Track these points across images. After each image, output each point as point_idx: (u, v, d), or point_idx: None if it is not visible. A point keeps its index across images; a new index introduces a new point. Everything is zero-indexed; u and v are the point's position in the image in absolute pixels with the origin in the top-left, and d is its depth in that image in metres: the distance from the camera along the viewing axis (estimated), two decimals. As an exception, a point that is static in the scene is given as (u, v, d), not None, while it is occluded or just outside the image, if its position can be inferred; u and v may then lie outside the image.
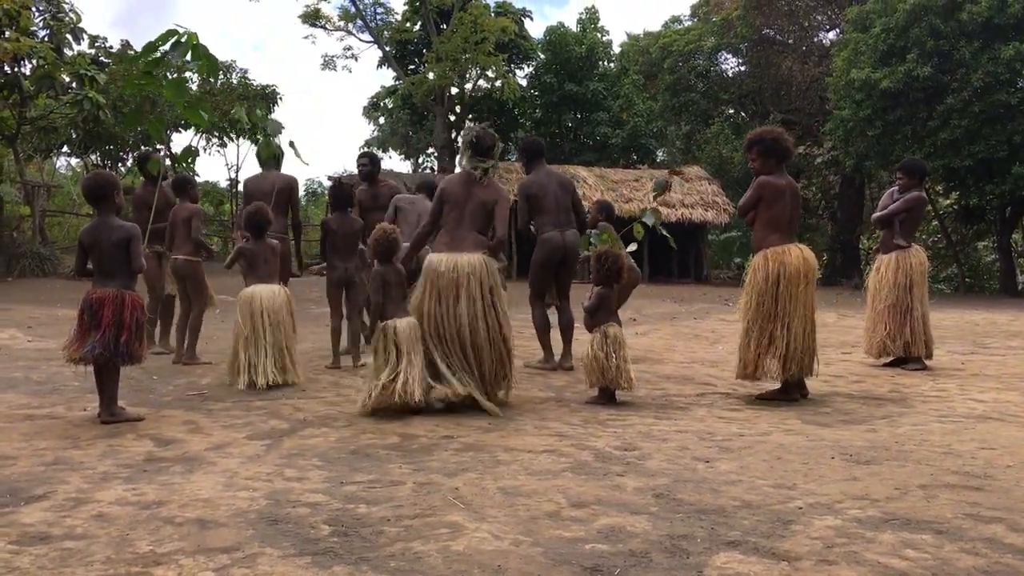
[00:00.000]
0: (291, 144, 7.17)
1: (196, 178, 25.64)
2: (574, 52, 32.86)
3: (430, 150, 36.47)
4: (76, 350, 4.66)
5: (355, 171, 8.87)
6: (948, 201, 25.53)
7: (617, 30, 63.14)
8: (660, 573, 2.52)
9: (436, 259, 5.30)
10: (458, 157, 5.67)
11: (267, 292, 6.11)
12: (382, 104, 37.33)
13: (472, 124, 5.66)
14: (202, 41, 5.33)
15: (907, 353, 7.26)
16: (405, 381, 5.00)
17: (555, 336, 7.18)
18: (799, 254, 5.64)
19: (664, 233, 6.11)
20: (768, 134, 5.81)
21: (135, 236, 4.78)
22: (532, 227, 7.08)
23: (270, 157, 7.06)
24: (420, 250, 5.75)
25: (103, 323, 4.60)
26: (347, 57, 35.24)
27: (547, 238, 6.92)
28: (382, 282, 5.32)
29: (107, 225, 4.77)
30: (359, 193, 7.97)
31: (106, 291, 4.68)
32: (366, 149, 29.18)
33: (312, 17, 31.77)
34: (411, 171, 35.30)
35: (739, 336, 5.82)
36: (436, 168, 33.03)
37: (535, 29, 73.75)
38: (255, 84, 26.07)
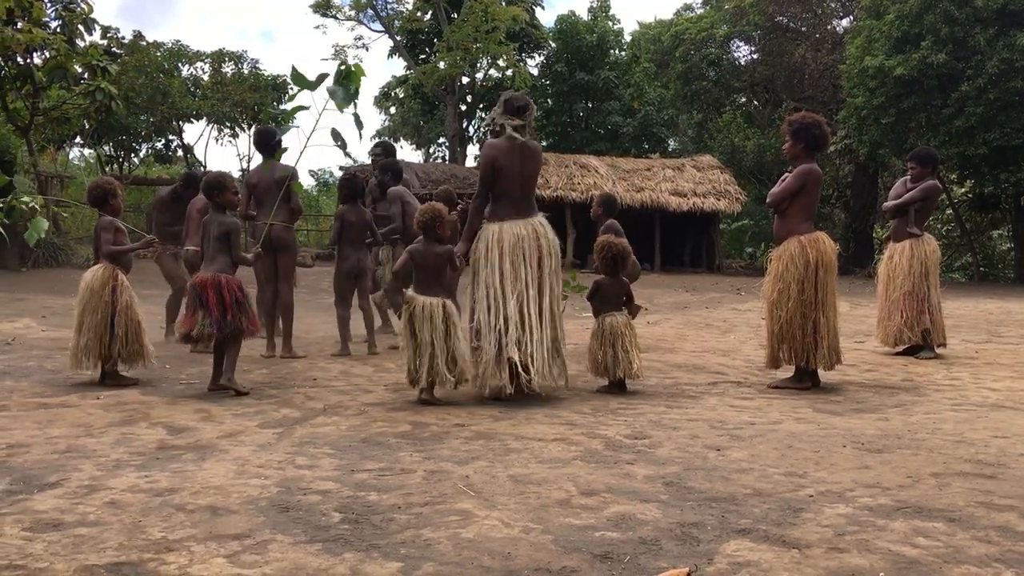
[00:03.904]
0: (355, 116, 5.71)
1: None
2: (585, 41, 32.75)
3: (441, 140, 36.45)
4: (185, 327, 5.32)
5: (365, 162, 8.85)
6: (963, 189, 25.36)
7: (628, 18, 62.91)
8: (670, 560, 2.52)
9: (508, 226, 5.24)
10: (490, 114, 5.53)
11: (88, 274, 5.62)
12: (393, 94, 37.31)
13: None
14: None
15: (926, 341, 7.23)
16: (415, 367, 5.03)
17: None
18: (830, 243, 5.63)
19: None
20: (814, 122, 5.72)
21: (233, 231, 5.44)
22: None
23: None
24: (476, 228, 5.42)
25: (209, 304, 5.19)
26: (358, 47, 35.27)
27: None
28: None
29: (215, 219, 5.46)
30: (369, 182, 8.09)
31: (205, 276, 5.29)
32: (380, 139, 28.97)
33: (323, 7, 31.73)
34: (422, 161, 35.26)
35: (775, 325, 5.66)
36: (446, 158, 32.97)
37: (546, 18, 73.42)
38: (266, 74, 26.07)
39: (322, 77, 5.26)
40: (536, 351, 5.11)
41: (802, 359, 5.62)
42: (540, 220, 5.38)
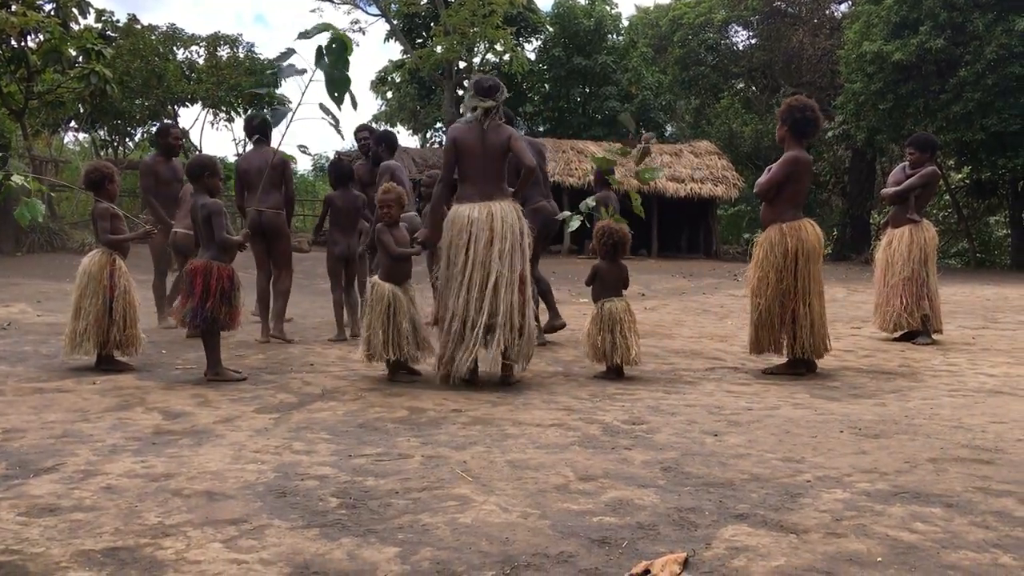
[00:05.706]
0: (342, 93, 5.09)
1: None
2: (583, 25, 32.56)
3: (438, 125, 36.28)
4: (177, 315, 5.28)
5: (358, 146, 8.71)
6: (960, 175, 25.33)
7: (626, 2, 62.58)
8: (668, 545, 2.51)
9: (466, 208, 5.17)
10: (461, 107, 5.50)
11: (86, 260, 5.60)
12: (389, 78, 37.09)
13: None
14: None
15: (925, 326, 7.23)
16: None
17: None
18: (814, 230, 5.60)
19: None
20: (799, 105, 5.66)
21: (215, 212, 5.26)
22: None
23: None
24: (439, 214, 5.50)
25: (196, 292, 5.11)
26: (354, 31, 35.01)
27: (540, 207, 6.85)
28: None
29: (197, 203, 5.35)
30: (357, 168, 7.93)
31: (198, 263, 5.22)
32: (364, 123, 28.61)
33: (319, -11, 31.52)
34: (419, 146, 35.13)
35: (755, 312, 5.67)
36: (443, 143, 32.81)
37: (543, 1, 72.96)
38: (261, 58, 25.92)
39: (318, 48, 4.72)
40: (462, 336, 5.08)
41: (780, 348, 5.63)
42: (502, 204, 5.19)
